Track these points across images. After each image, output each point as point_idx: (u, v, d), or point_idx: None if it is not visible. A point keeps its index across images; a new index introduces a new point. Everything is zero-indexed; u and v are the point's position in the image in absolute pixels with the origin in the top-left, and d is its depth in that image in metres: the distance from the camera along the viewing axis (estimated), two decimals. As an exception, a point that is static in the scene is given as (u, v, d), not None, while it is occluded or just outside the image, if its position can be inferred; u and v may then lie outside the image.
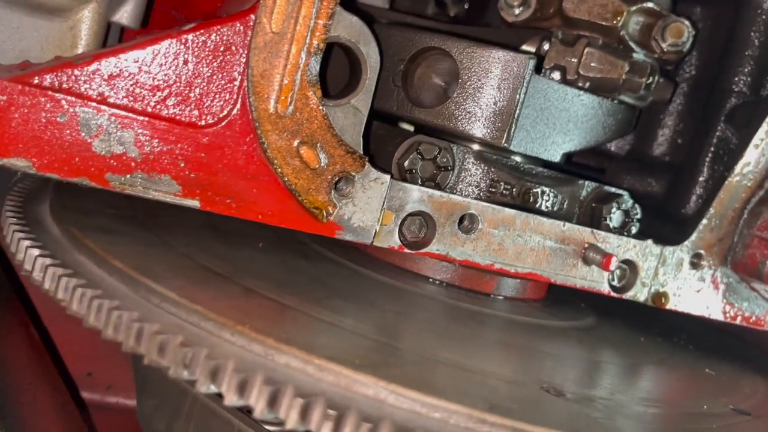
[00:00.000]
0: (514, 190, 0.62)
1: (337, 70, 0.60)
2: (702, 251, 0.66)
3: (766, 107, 0.65)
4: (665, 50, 0.65)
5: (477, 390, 0.40)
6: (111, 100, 0.48)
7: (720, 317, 0.66)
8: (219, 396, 0.37)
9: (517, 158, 0.64)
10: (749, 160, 0.65)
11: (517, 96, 0.57)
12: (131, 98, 0.48)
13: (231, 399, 0.36)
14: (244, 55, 0.50)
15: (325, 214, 0.53)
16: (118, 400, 0.81)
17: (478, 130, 0.58)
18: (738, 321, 0.67)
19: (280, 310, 0.45)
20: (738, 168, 0.65)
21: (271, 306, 0.45)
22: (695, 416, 0.47)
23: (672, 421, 0.45)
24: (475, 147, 0.61)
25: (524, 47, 0.66)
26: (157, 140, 0.49)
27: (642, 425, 0.43)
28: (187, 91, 0.50)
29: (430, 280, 0.63)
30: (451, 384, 0.40)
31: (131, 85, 0.48)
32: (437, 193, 0.56)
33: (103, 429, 0.75)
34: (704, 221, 0.65)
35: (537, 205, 0.63)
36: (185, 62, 0.50)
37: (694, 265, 0.65)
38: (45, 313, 0.78)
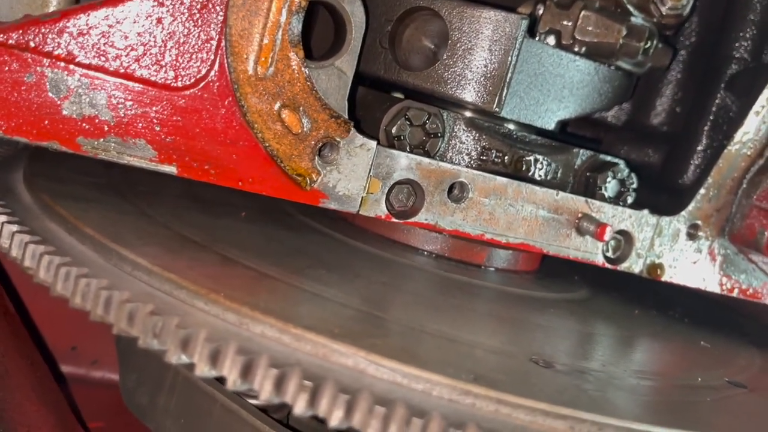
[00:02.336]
0: (506, 158, 0.60)
1: (323, 32, 0.57)
2: (699, 222, 0.64)
3: (767, 73, 0.63)
4: (664, 14, 0.63)
5: (463, 361, 0.39)
6: (81, 60, 0.46)
7: (717, 290, 0.65)
8: (191, 366, 0.35)
9: (510, 125, 0.62)
10: (749, 129, 0.63)
11: (509, 58, 0.54)
12: (102, 58, 0.46)
13: (202, 369, 0.34)
14: (221, 14, 0.48)
15: (308, 181, 0.51)
16: (103, 374, 0.79)
17: (468, 94, 0.55)
18: (735, 293, 0.66)
19: (259, 279, 0.43)
20: (738, 136, 0.63)
21: (249, 275, 0.43)
22: (689, 388, 0.45)
23: (665, 394, 0.44)
24: (467, 113, 0.59)
25: (519, 10, 0.63)
26: (131, 102, 0.47)
27: (634, 397, 0.41)
28: (161, 51, 0.47)
29: (420, 251, 0.61)
30: (436, 355, 0.38)
31: (102, 45, 0.46)
32: (426, 160, 0.54)
33: (88, 403, 0.74)
34: (702, 191, 0.63)
35: (530, 174, 0.61)
36: (159, 21, 0.47)
37: (691, 236, 0.64)
38: (28, 285, 0.76)
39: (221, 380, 0.35)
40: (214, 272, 0.42)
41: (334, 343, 0.35)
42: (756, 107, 0.63)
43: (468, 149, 0.59)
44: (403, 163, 0.54)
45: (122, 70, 0.47)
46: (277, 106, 0.50)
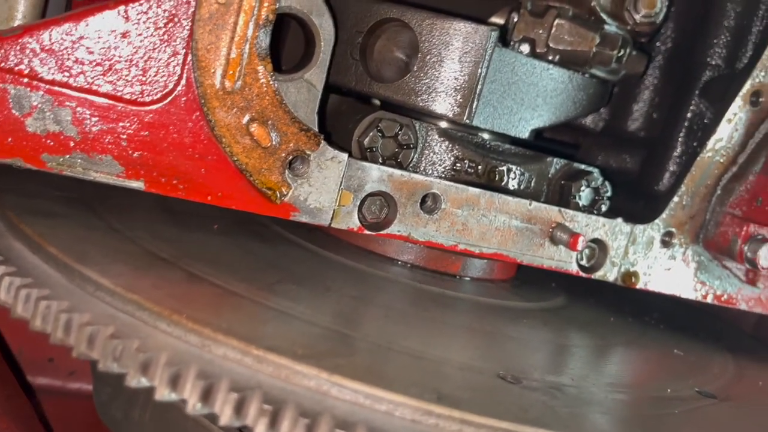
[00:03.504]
0: (479, 168, 0.60)
1: (296, 44, 0.57)
2: (673, 229, 0.64)
3: (740, 81, 0.63)
4: (638, 21, 0.63)
5: (428, 379, 0.38)
6: (44, 76, 0.45)
7: (691, 296, 0.65)
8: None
9: (484, 135, 0.61)
10: (722, 136, 0.63)
11: (479, 70, 0.54)
12: (66, 74, 0.46)
13: (162, 393, 0.34)
14: (187, 28, 0.47)
15: (278, 195, 0.51)
16: (80, 386, 0.79)
17: (439, 105, 0.55)
18: (710, 300, 0.66)
19: (225, 297, 0.43)
20: (710, 144, 0.63)
21: (215, 293, 0.43)
22: (658, 400, 0.46)
23: (635, 407, 0.44)
24: (440, 124, 0.59)
25: (492, 19, 0.63)
26: (96, 118, 0.47)
27: (602, 413, 0.41)
28: (127, 66, 0.47)
29: (395, 261, 0.61)
30: (402, 373, 0.38)
31: (66, 60, 0.46)
32: (398, 172, 0.54)
33: (65, 416, 0.73)
34: (675, 198, 0.63)
35: (503, 184, 0.61)
36: (125, 35, 0.47)
37: (665, 243, 0.64)
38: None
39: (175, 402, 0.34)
40: (180, 291, 0.41)
41: (297, 364, 0.35)
42: (728, 114, 0.63)
43: (441, 160, 0.59)
44: (375, 175, 0.54)
45: (87, 86, 0.46)
46: (245, 119, 0.49)
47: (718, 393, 0.50)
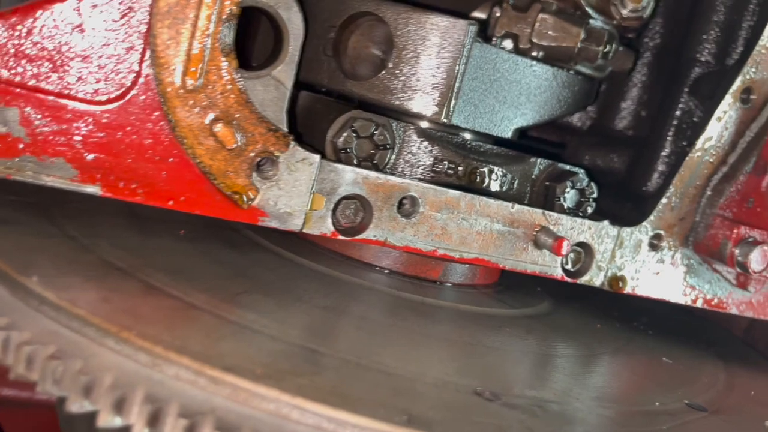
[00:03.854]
0: (459, 169, 0.57)
1: (267, 40, 0.54)
2: (662, 232, 0.62)
3: (730, 78, 0.61)
4: (625, 16, 0.60)
5: (399, 398, 0.36)
6: (-11, 74, 0.42)
7: (680, 300, 0.63)
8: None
9: (465, 135, 0.59)
10: (711, 135, 0.61)
11: (457, 66, 0.52)
12: (13, 71, 0.43)
13: (106, 419, 0.31)
14: (145, 22, 0.44)
15: (245, 199, 0.48)
16: (48, 396, 0.75)
17: (416, 104, 0.53)
18: (699, 304, 0.64)
19: (183, 310, 0.40)
20: (700, 142, 0.61)
21: (172, 306, 0.40)
22: (645, 415, 0.43)
23: (621, 424, 0.41)
24: (418, 123, 0.56)
25: (474, 14, 0.60)
26: (47, 119, 0.44)
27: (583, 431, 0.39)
28: (80, 63, 0.44)
29: (373, 267, 0.59)
30: (370, 393, 0.36)
31: (13, 57, 0.42)
32: (373, 174, 0.51)
33: (32, 427, 0.70)
34: (664, 200, 0.61)
35: (485, 186, 0.59)
36: (78, 29, 0.44)
37: (654, 246, 0.61)
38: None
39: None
40: (132, 305, 0.38)
41: (255, 385, 0.33)
42: (718, 113, 0.61)
43: (419, 161, 0.56)
44: (349, 178, 0.51)
45: (37, 84, 0.43)
46: (208, 119, 0.46)
47: (708, 405, 0.48)
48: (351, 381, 0.37)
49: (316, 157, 0.49)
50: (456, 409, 0.36)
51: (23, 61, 0.43)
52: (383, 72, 0.52)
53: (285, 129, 0.49)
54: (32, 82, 0.43)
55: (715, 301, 0.64)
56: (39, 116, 0.43)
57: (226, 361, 0.34)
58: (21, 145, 0.43)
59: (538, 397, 0.41)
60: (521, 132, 0.63)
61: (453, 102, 0.52)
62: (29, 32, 0.43)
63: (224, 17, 0.45)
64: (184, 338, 0.35)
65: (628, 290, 0.61)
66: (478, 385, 0.40)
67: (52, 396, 0.33)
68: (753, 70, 0.60)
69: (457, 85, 0.52)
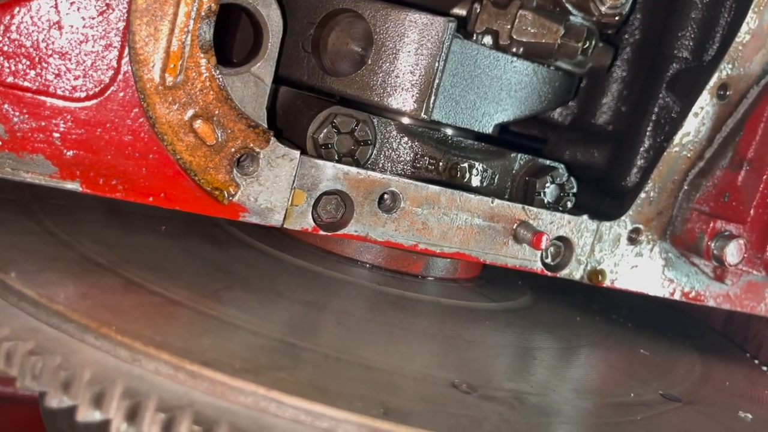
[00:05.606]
0: (440, 164, 0.58)
1: (247, 37, 0.54)
2: (640, 226, 0.62)
3: (707, 74, 0.62)
4: (604, 13, 0.61)
5: (377, 392, 0.36)
6: (-34, 70, 0.42)
7: (659, 293, 0.64)
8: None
9: (447, 131, 0.59)
10: (689, 130, 0.62)
11: (437, 63, 0.52)
12: (-9, 67, 0.42)
13: (84, 414, 0.31)
14: (123, 19, 0.44)
15: (226, 195, 0.49)
16: (32, 392, 0.75)
17: (395, 100, 0.53)
18: (677, 297, 0.65)
19: (163, 306, 0.40)
20: (677, 138, 0.62)
21: (153, 302, 0.40)
22: (621, 406, 0.44)
23: (597, 415, 0.42)
24: (398, 119, 0.57)
25: (454, 10, 0.61)
26: (25, 115, 0.44)
27: (563, 424, 0.39)
28: (58, 59, 0.44)
29: (355, 261, 0.59)
30: (348, 387, 0.36)
31: (-9, 53, 0.42)
32: (354, 170, 0.52)
33: (17, 422, 0.70)
34: (642, 194, 0.62)
35: (465, 181, 0.59)
36: (56, 25, 0.44)
37: (632, 240, 0.62)
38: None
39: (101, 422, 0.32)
40: (113, 300, 0.39)
41: (233, 380, 0.33)
42: (695, 108, 0.62)
43: (400, 156, 0.57)
44: (330, 173, 0.51)
45: (14, 80, 0.43)
46: (188, 115, 0.46)
47: (683, 396, 0.49)
48: (330, 375, 0.37)
49: (297, 153, 0.50)
50: (432, 402, 0.37)
51: (1, 59, 0.42)
52: (363, 68, 0.52)
53: (265, 125, 0.49)
54: (10, 79, 0.43)
55: (693, 293, 0.65)
56: (17, 113, 0.43)
57: (205, 355, 0.34)
58: (-1, 142, 0.43)
59: (516, 389, 0.42)
60: (502, 127, 0.63)
61: (432, 98, 0.53)
62: (6, 29, 0.43)
63: (203, 14, 0.45)
64: (164, 334, 0.36)
65: (607, 283, 0.62)
66: (456, 378, 0.41)
67: (35, 392, 0.33)
68: (729, 66, 0.61)
69: (436, 81, 0.52)
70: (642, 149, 0.70)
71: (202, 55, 0.46)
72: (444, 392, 0.38)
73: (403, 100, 0.53)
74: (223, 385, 0.33)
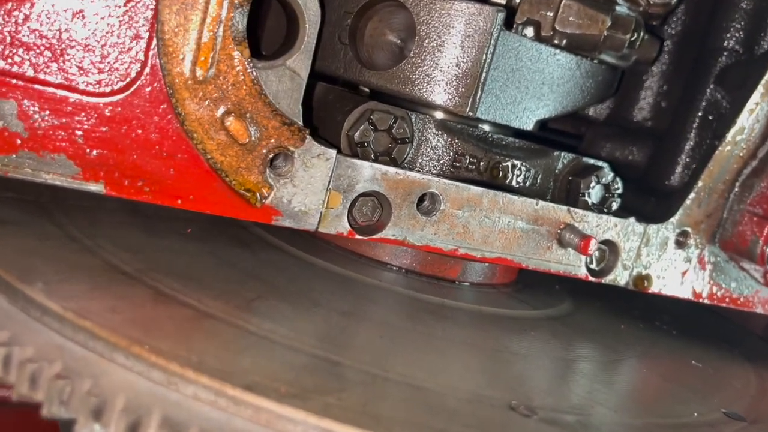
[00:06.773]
0: (481, 164, 0.55)
1: (276, 27, 0.51)
2: (689, 229, 0.59)
3: (761, 67, 0.58)
4: (651, 2, 0.58)
5: (432, 417, 0.33)
6: (-17, 63, 0.39)
7: (707, 300, 0.61)
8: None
9: (486, 127, 0.56)
10: (742, 127, 0.58)
11: (484, 56, 0.49)
12: (10, 61, 0.39)
13: (119, 446, 0.28)
14: (152, 7, 0.41)
15: (258, 197, 0.45)
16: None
17: (439, 96, 0.50)
18: (725, 303, 0.62)
19: (197, 320, 0.37)
20: (729, 136, 0.58)
21: (185, 315, 0.37)
22: (687, 428, 0.41)
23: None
24: (438, 115, 0.53)
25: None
26: (47, 112, 0.41)
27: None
28: (82, 52, 0.40)
29: (389, 266, 0.56)
30: (400, 411, 0.33)
31: (9, 45, 0.39)
32: (392, 170, 0.48)
33: (12, 427, 0.67)
34: (692, 195, 0.58)
35: (507, 181, 0.56)
36: (79, 15, 0.40)
37: (680, 244, 0.59)
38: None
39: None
40: (143, 315, 0.36)
41: (281, 407, 0.30)
42: (750, 104, 0.58)
43: (439, 155, 0.53)
44: (367, 174, 0.48)
45: (35, 74, 0.40)
46: (220, 112, 0.43)
47: (745, 413, 0.46)
48: (379, 398, 0.34)
49: (333, 152, 0.47)
50: (492, 428, 0.34)
51: (20, 50, 0.39)
52: (403, 61, 0.49)
53: (300, 122, 0.46)
54: (30, 73, 0.40)
55: (741, 299, 0.62)
56: (38, 109, 0.40)
57: (247, 378, 0.31)
58: (19, 141, 0.40)
59: (577, 410, 0.39)
60: (541, 124, 0.60)
61: (479, 93, 0.49)
62: (26, 18, 0.39)
63: (236, 2, 0.42)
64: (200, 353, 0.33)
65: (653, 289, 0.59)
66: (511, 398, 0.38)
67: (61, 418, 0.30)
68: (786, 59, 0.58)
69: (483, 75, 0.49)
70: (687, 147, 0.66)
71: (234, 47, 0.43)
72: (503, 416, 0.35)
73: (448, 95, 0.50)
74: (269, 412, 0.30)
